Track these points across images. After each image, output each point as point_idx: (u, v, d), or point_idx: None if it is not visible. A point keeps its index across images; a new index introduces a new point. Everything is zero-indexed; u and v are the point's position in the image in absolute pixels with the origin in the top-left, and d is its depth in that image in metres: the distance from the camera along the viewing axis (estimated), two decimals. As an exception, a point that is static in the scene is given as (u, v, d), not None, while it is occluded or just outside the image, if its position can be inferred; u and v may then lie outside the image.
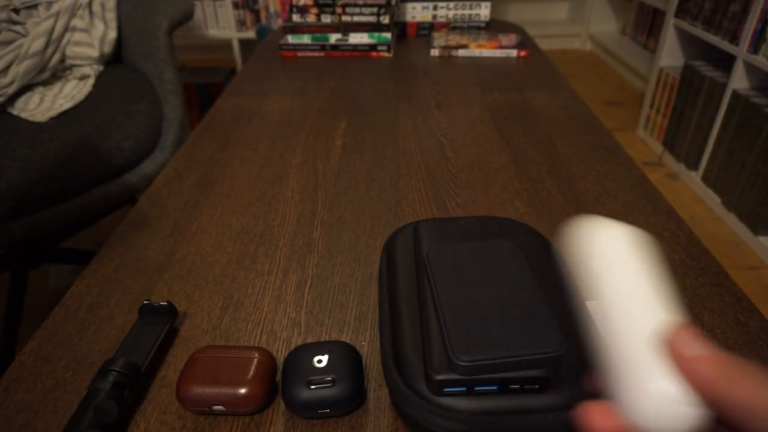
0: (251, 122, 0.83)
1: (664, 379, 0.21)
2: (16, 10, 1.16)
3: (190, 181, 0.68)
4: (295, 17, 1.16)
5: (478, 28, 1.28)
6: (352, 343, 0.43)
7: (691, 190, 1.83)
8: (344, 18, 1.16)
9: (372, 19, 1.15)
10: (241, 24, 2.54)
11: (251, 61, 1.13)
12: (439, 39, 1.18)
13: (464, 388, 0.32)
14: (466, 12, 1.27)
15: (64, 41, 1.14)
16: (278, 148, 0.76)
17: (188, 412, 0.39)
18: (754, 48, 1.53)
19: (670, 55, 2.00)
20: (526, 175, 0.68)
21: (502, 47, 1.13)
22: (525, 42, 1.17)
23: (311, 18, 1.16)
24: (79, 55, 1.16)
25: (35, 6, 1.18)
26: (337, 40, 1.15)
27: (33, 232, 0.99)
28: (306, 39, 1.15)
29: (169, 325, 0.44)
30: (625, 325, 0.24)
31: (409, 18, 1.28)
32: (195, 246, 0.56)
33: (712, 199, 1.72)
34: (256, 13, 2.51)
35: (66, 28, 1.14)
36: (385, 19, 1.14)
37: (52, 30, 1.11)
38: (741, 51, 1.57)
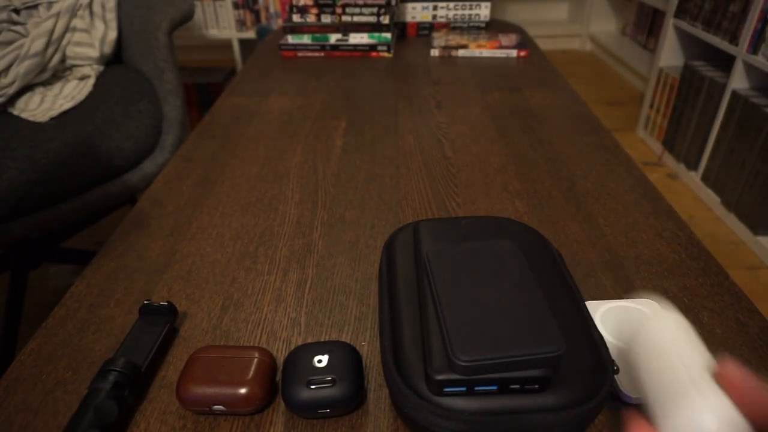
0: (251, 122, 0.84)
1: (712, 408, 0.23)
2: (17, 11, 1.16)
3: (190, 181, 0.68)
4: (295, 17, 1.16)
5: (478, 28, 1.28)
6: (352, 343, 0.43)
7: (691, 190, 1.83)
8: (344, 18, 1.16)
9: (372, 19, 1.15)
10: (241, 24, 2.54)
11: (251, 61, 1.13)
12: (439, 39, 1.19)
13: (464, 388, 0.32)
14: (466, 12, 1.27)
15: (65, 41, 1.14)
16: (278, 148, 0.76)
17: (188, 412, 0.39)
18: (754, 48, 1.53)
19: (670, 55, 2.00)
20: (526, 175, 0.68)
21: (502, 47, 1.13)
22: (525, 42, 1.17)
23: (311, 18, 1.16)
24: (80, 55, 1.16)
25: (36, 6, 1.18)
26: (337, 40, 1.15)
27: (33, 232, 0.99)
28: (306, 39, 1.15)
29: (169, 325, 0.44)
30: (671, 362, 0.26)
31: (409, 18, 1.28)
32: (195, 246, 0.56)
33: (712, 199, 1.72)
34: (256, 14, 2.51)
35: (66, 29, 1.14)
36: (385, 19, 1.14)
37: (52, 30, 1.11)
38: (741, 51, 1.57)
